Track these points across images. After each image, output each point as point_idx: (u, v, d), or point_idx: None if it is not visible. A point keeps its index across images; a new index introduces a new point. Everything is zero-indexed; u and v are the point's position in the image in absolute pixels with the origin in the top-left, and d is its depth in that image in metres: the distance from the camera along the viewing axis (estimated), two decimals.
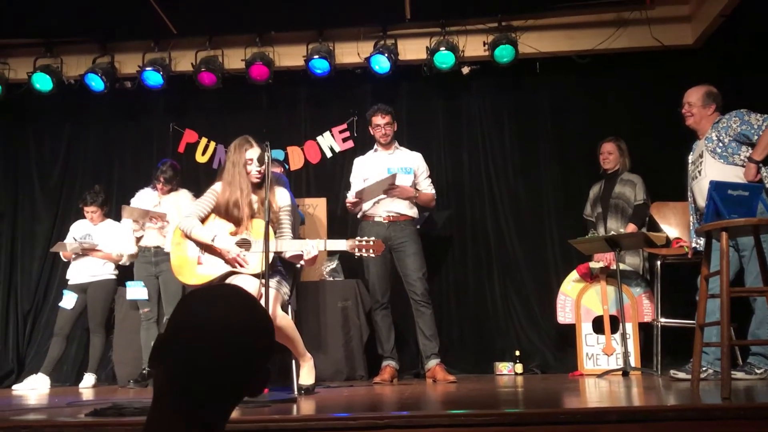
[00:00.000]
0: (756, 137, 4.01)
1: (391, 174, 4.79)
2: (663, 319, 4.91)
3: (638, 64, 5.91)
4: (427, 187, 5.12)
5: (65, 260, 5.77)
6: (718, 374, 3.78)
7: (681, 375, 4.03)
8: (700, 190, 4.27)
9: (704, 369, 3.95)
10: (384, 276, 4.97)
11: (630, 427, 2.26)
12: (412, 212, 5.02)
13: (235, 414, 2.65)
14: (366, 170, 5.07)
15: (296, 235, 4.02)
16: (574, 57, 5.86)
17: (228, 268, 3.70)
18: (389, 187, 4.76)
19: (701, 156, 4.27)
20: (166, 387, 1.21)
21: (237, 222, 3.76)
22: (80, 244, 5.61)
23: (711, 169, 4.17)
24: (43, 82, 5.93)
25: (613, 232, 4.98)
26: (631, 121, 5.91)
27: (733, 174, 4.04)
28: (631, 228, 5.06)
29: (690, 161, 4.45)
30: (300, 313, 4.99)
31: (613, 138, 5.38)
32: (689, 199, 4.46)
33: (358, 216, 5.08)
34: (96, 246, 5.62)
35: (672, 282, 4.94)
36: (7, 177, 6.48)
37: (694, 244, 4.39)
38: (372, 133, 5.10)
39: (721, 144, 4.15)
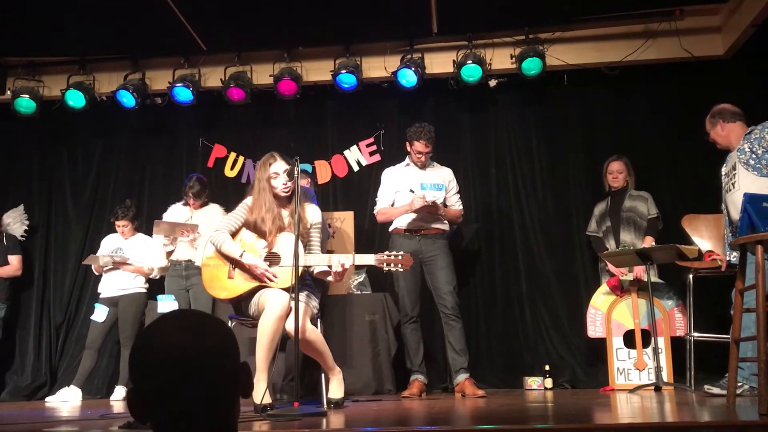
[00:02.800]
0: None
1: (419, 202, 4.79)
2: (696, 334, 4.83)
3: (668, 75, 5.86)
4: (455, 203, 5.13)
5: (96, 273, 5.85)
6: (754, 390, 3.70)
7: (715, 390, 3.95)
8: (733, 203, 4.20)
9: (740, 384, 3.87)
10: (414, 290, 4.97)
11: None
12: (444, 225, 5.03)
13: (265, 428, 2.67)
14: (398, 183, 5.07)
15: (324, 250, 4.03)
16: (604, 69, 5.83)
17: (258, 282, 3.72)
18: (417, 209, 4.77)
19: (734, 168, 4.21)
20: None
21: (264, 237, 3.79)
22: (111, 257, 5.68)
23: (745, 180, 4.10)
24: (76, 99, 6.05)
25: (627, 245, 5.03)
26: (661, 134, 5.85)
27: (766, 185, 3.98)
28: (649, 240, 5.10)
29: (723, 173, 4.39)
30: (328, 326, 5.00)
31: (619, 156, 5.40)
32: (723, 212, 4.40)
33: (390, 229, 5.08)
34: (127, 260, 5.69)
35: (705, 295, 4.86)
36: (41, 191, 6.60)
37: (728, 258, 4.32)
38: (409, 150, 5.09)
39: (754, 156, 4.09)
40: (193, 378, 1.18)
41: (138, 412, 1.23)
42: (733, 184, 4.21)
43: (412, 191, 4.91)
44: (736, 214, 4.16)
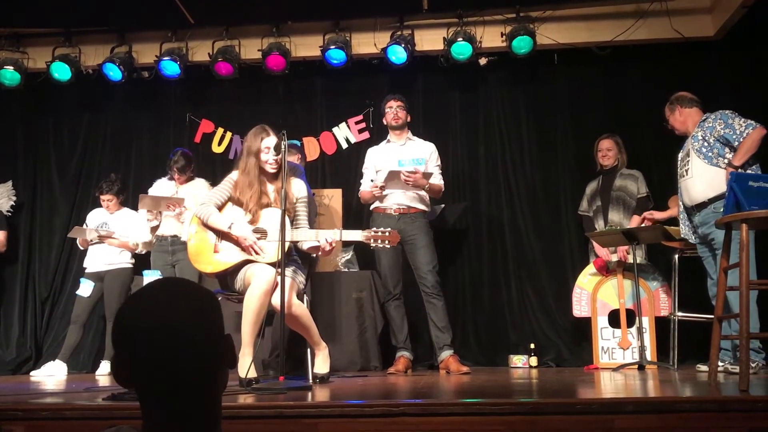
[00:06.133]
0: (737, 143, 3.99)
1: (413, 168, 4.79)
2: (680, 313, 4.87)
3: (658, 55, 5.85)
4: (435, 177, 5.08)
5: (82, 248, 5.81)
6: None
7: (704, 368, 4.00)
8: (686, 189, 4.28)
9: (732, 363, 3.92)
10: (395, 267, 4.98)
11: (646, 419, 2.25)
12: (423, 205, 5.02)
13: (250, 400, 2.67)
14: (378, 161, 5.07)
15: (312, 226, 4.01)
16: (594, 48, 5.81)
17: (244, 257, 3.71)
18: (406, 176, 4.75)
19: (688, 154, 4.28)
20: (151, 402, 1.22)
21: (250, 210, 3.76)
22: (97, 231, 5.64)
23: (697, 168, 4.18)
24: (61, 72, 5.97)
25: (615, 225, 5.03)
26: (651, 114, 5.84)
27: (717, 175, 4.04)
28: (637, 220, 5.08)
29: (679, 158, 4.46)
30: (315, 303, 5.00)
31: (610, 134, 5.40)
32: (679, 196, 4.47)
33: (371, 208, 5.08)
34: (112, 234, 5.65)
35: (690, 275, 4.89)
36: (26, 166, 6.53)
37: (683, 235, 4.41)
38: (386, 122, 5.10)
39: (706, 144, 4.15)
40: (175, 340, 1.19)
41: (121, 376, 1.23)
42: (686, 170, 4.27)
43: (372, 180, 4.95)
44: (687, 200, 4.25)
